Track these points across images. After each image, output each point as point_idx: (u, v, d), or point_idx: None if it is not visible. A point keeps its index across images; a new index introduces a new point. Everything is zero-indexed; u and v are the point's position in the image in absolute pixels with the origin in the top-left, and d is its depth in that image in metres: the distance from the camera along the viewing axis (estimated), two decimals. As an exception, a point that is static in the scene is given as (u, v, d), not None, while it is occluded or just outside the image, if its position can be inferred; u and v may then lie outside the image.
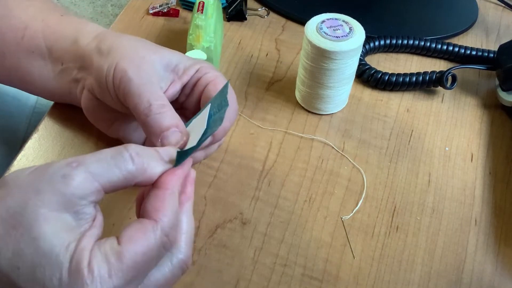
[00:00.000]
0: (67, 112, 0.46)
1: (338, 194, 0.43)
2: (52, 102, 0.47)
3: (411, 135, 0.48)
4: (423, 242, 0.41)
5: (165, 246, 0.28)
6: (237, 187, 0.43)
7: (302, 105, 0.50)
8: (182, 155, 0.31)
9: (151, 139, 0.35)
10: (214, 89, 0.37)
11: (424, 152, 0.47)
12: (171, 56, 0.38)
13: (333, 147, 0.47)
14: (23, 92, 0.58)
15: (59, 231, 0.25)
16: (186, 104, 0.40)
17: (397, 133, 0.48)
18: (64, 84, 0.41)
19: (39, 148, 0.43)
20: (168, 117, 0.34)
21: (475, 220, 0.43)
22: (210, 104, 0.36)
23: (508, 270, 0.40)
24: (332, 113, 0.49)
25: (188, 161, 0.31)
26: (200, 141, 0.32)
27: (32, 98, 0.59)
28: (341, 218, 0.42)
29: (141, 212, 0.28)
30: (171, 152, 0.31)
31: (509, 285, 0.39)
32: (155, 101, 0.34)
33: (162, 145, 0.34)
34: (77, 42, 0.39)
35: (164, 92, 0.37)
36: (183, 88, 0.38)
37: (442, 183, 0.45)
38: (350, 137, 0.48)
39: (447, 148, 0.48)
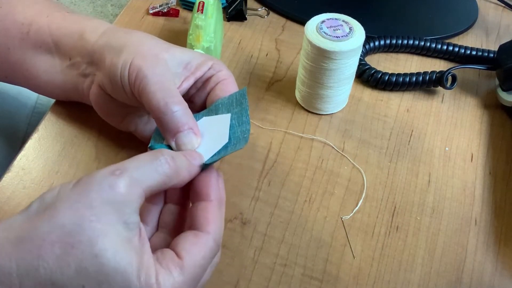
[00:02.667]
0: (67, 112, 0.46)
1: (338, 194, 0.43)
2: (52, 102, 0.47)
3: (411, 135, 0.48)
4: (423, 242, 0.41)
5: (215, 254, 0.30)
6: (237, 187, 0.43)
7: (302, 105, 0.50)
8: (207, 164, 0.33)
9: (165, 136, 0.35)
10: (224, 89, 0.38)
11: (424, 152, 0.47)
12: (182, 54, 0.39)
13: (333, 147, 0.47)
14: (23, 92, 0.58)
15: (119, 246, 0.26)
16: (194, 98, 0.40)
17: (397, 133, 0.48)
18: (71, 78, 0.41)
19: (39, 148, 0.43)
20: (184, 117, 0.34)
21: (475, 220, 0.43)
22: (221, 106, 0.37)
23: (508, 270, 0.40)
24: (332, 113, 0.49)
25: (212, 167, 0.33)
26: (222, 155, 0.34)
27: (32, 98, 0.59)
28: (341, 218, 0.42)
29: (191, 223, 0.31)
30: (195, 155, 0.32)
31: (509, 285, 0.39)
32: (171, 98, 0.34)
33: (176, 144, 0.35)
34: (84, 38, 0.39)
35: (178, 88, 0.38)
36: (195, 82, 0.39)
37: (442, 183, 0.45)
38: (350, 137, 0.48)
39: (447, 148, 0.48)
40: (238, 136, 0.35)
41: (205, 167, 0.33)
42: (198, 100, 0.40)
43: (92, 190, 0.26)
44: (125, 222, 0.26)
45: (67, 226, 0.25)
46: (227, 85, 0.38)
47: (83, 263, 0.25)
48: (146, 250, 0.27)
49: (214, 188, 0.32)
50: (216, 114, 0.37)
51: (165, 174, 0.29)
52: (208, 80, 0.39)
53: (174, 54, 0.38)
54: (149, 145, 0.36)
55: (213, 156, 0.34)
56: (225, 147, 0.34)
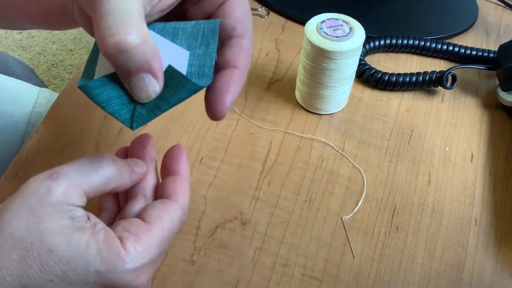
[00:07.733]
0: (67, 112, 0.46)
1: (338, 194, 0.43)
2: (52, 102, 0.47)
3: (411, 135, 0.48)
4: (423, 242, 0.41)
5: (182, 221, 0.31)
6: (237, 187, 0.43)
7: (302, 105, 0.50)
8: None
9: (118, 74, 0.27)
10: (230, 13, 0.30)
11: (424, 152, 0.47)
12: None
13: (333, 147, 0.47)
14: (23, 92, 0.58)
15: (70, 236, 0.27)
16: (190, 14, 0.32)
17: (397, 133, 0.48)
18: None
19: (39, 148, 0.43)
20: (142, 55, 0.26)
21: (475, 220, 0.43)
22: (181, 33, 0.29)
23: (508, 270, 0.40)
24: (332, 113, 0.49)
25: (180, 145, 0.34)
26: (174, 103, 0.27)
27: (31, 98, 0.59)
28: (341, 218, 0.42)
29: (160, 194, 0.32)
30: (139, 163, 0.33)
31: (509, 285, 0.39)
32: (125, 27, 0.25)
33: (129, 88, 0.27)
34: None
35: (158, 2, 0.28)
36: None
37: (442, 183, 0.45)
38: (350, 137, 0.48)
39: (447, 148, 0.48)
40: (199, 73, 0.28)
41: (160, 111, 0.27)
42: (195, 18, 0.32)
43: (31, 195, 0.27)
44: (71, 217, 0.27)
45: (15, 234, 0.26)
46: (233, 8, 0.30)
47: (42, 261, 0.26)
48: (100, 228, 0.28)
49: (184, 164, 0.33)
50: (172, 40, 0.29)
51: (106, 176, 0.29)
52: None
53: None
54: (78, 84, 0.27)
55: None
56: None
